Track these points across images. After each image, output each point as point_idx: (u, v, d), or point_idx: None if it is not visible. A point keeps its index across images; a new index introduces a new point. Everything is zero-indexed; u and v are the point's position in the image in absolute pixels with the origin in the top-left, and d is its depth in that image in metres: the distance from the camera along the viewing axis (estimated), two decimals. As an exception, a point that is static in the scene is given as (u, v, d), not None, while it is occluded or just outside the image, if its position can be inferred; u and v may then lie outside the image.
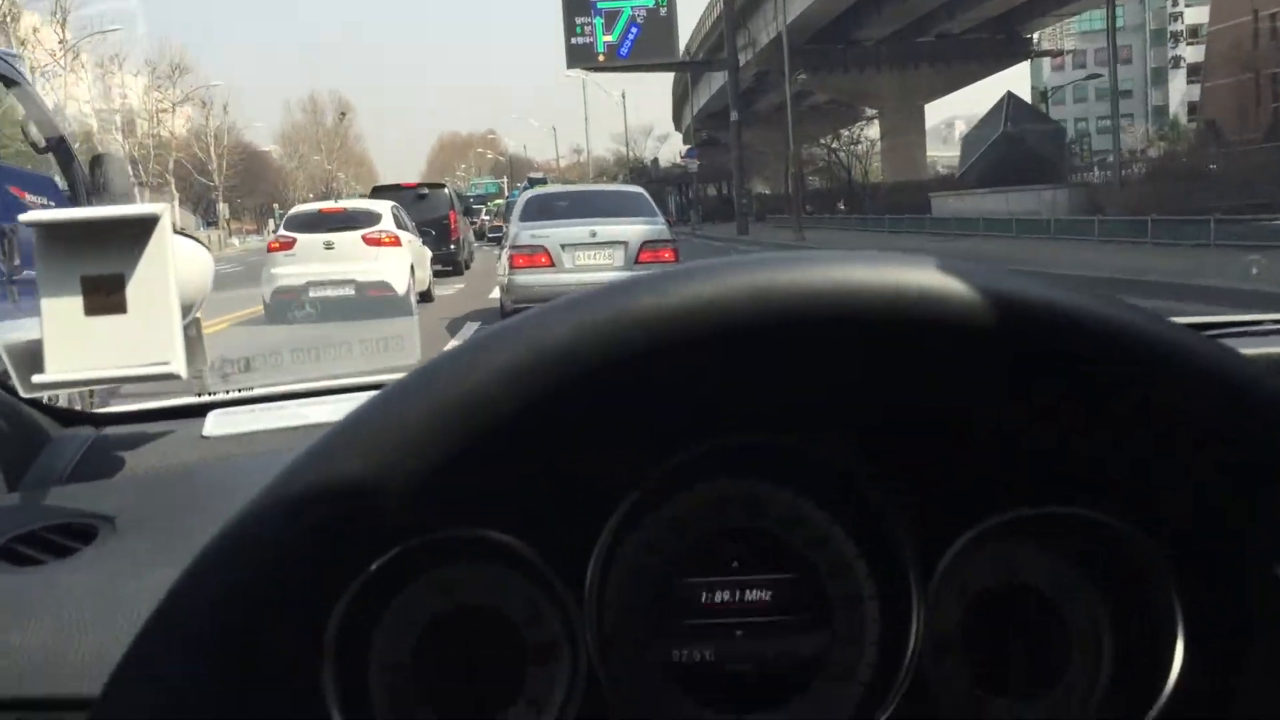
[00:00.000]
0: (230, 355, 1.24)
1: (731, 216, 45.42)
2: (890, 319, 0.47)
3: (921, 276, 0.48)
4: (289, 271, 12.13)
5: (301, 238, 13.05)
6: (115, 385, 0.96)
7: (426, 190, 24.51)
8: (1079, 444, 0.79)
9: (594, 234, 11.02)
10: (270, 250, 13.47)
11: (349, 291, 11.33)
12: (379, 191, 23.70)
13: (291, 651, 0.45)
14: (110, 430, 1.26)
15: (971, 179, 37.34)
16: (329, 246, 12.77)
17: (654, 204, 12.46)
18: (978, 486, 0.90)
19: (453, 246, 20.53)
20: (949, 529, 0.88)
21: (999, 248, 23.24)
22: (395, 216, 14.14)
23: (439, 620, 0.93)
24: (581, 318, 0.48)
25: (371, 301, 11.96)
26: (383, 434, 0.46)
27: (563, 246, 11.00)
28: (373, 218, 13.88)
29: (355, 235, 13.12)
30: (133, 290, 0.92)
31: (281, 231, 13.81)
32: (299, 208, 15.64)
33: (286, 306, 11.79)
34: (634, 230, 11.12)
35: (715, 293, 0.48)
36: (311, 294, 10.94)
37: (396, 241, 13.49)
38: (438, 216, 21.94)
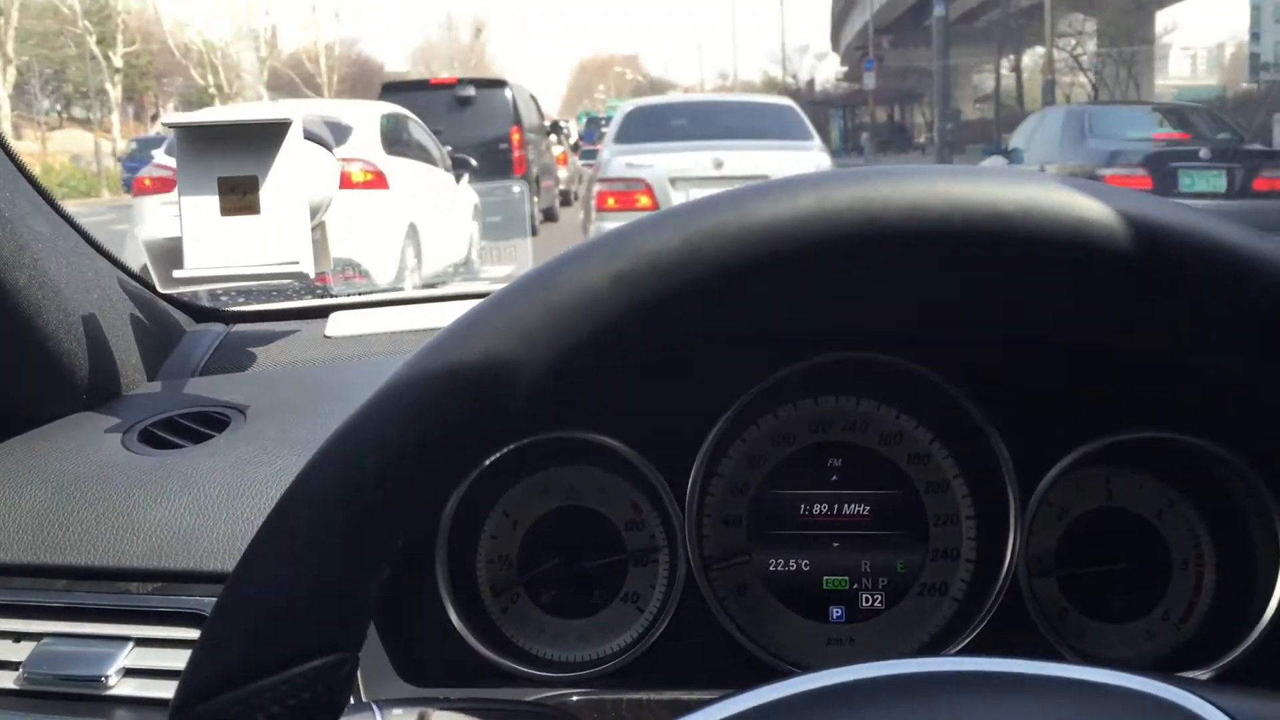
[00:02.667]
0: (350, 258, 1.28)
1: (908, 148, 36.97)
2: (1012, 234, 0.47)
3: (1048, 193, 0.48)
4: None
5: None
6: (246, 285, 1.01)
7: (473, 91, 13.62)
8: (1186, 370, 0.78)
9: (719, 164, 7.53)
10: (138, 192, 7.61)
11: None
12: (390, 92, 13.08)
13: (411, 538, 0.47)
14: (239, 328, 1.32)
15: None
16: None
17: (809, 124, 8.63)
18: (1080, 411, 0.90)
19: (516, 190, 9.63)
20: (1050, 452, 0.89)
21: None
22: (389, 132, 8.14)
23: (544, 520, 0.97)
24: (697, 226, 0.49)
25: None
26: (502, 328, 0.47)
27: (672, 181, 7.53)
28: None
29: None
30: (265, 193, 0.96)
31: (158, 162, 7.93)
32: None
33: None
34: (779, 159, 7.43)
35: (844, 202, 0.48)
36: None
37: (377, 182, 7.28)
38: (491, 137, 12.74)
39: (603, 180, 7.97)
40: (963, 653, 0.88)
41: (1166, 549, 0.92)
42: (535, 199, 12.07)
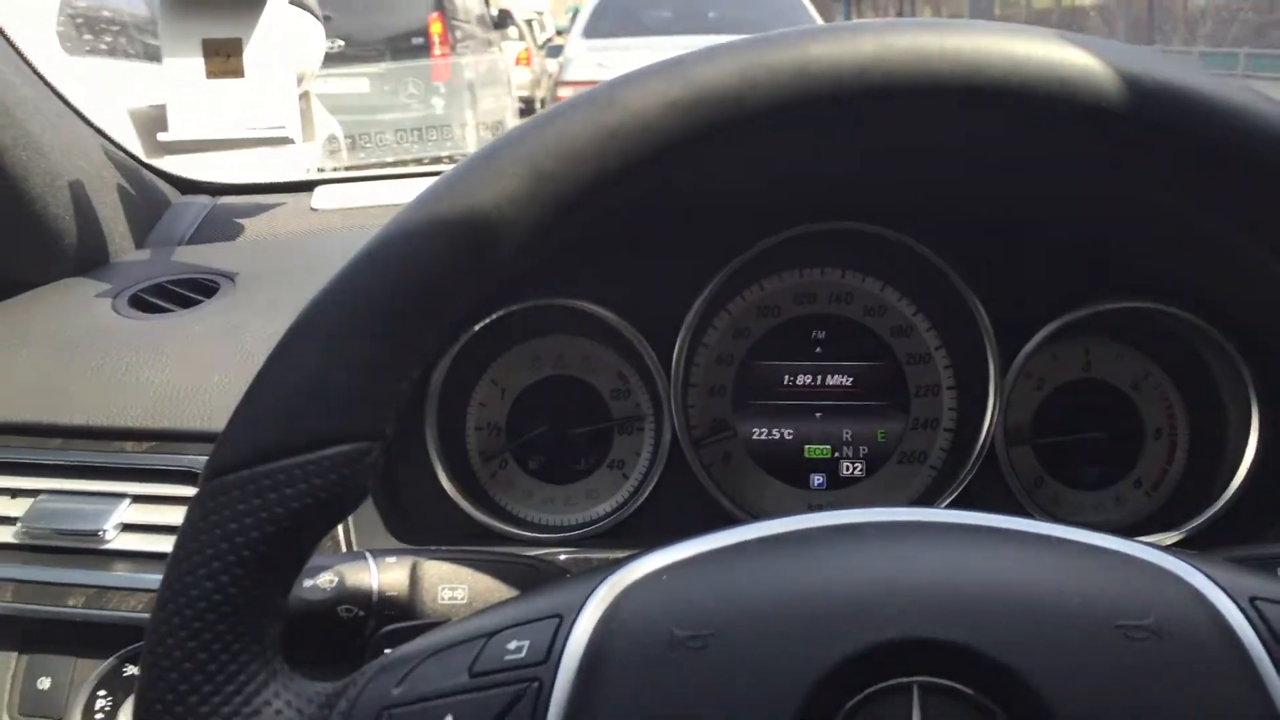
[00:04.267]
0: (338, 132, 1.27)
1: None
2: (1009, 89, 0.47)
3: (1044, 48, 0.47)
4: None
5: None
6: (231, 149, 1.00)
7: None
8: (1172, 240, 0.79)
9: None
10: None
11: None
12: None
13: (401, 398, 0.47)
14: (226, 200, 1.31)
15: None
16: None
17: (814, 14, 7.71)
18: (1062, 281, 0.91)
19: (437, 100, 7.07)
20: (1031, 322, 0.90)
21: None
22: None
23: (532, 389, 0.98)
24: (756, 61, 0.47)
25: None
26: (549, 149, 0.46)
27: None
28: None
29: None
30: (249, 55, 0.95)
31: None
32: None
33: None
34: None
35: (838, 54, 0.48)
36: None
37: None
38: (401, 30, 7.87)
39: (565, 83, 7.05)
40: None
41: (1141, 419, 0.94)
42: (472, 115, 8.00)
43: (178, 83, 0.96)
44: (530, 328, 0.97)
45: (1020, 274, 0.91)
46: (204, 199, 1.30)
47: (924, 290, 0.95)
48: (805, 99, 0.47)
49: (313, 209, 1.27)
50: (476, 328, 0.93)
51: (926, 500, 0.94)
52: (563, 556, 0.89)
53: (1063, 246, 0.90)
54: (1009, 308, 0.91)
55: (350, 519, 0.84)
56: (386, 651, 0.49)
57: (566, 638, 0.43)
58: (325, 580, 0.63)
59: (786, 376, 0.97)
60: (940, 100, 0.48)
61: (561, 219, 0.47)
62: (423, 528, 0.92)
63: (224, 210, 1.26)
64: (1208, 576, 0.44)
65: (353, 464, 0.46)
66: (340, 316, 0.46)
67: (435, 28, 8.24)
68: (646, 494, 0.94)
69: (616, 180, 0.47)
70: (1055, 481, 0.95)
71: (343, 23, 6.40)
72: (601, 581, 0.46)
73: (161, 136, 0.97)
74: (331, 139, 1.29)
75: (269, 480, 0.45)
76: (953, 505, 0.91)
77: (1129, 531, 0.93)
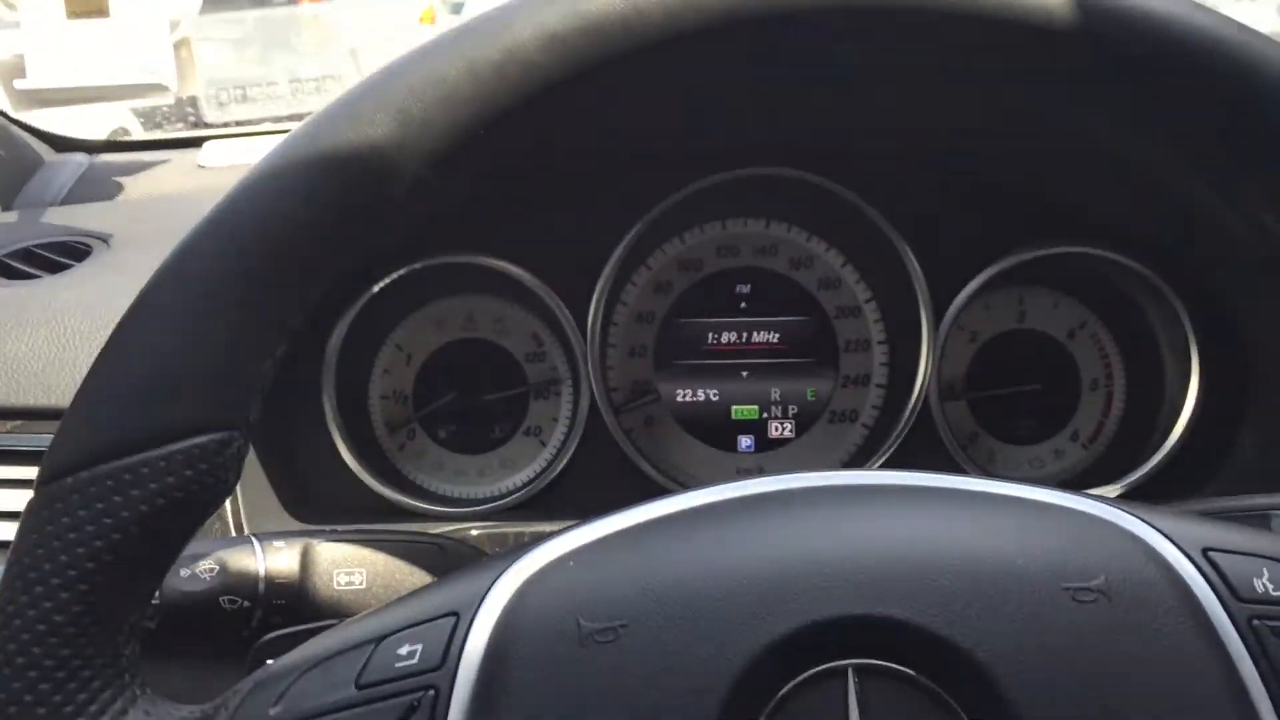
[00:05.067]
0: (226, 84, 1.19)
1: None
2: (960, 12, 0.43)
3: None
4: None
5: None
6: (104, 97, 0.91)
7: None
8: (1105, 180, 0.76)
9: None
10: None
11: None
12: None
13: (265, 378, 0.41)
14: (105, 157, 1.22)
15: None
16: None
17: None
18: (994, 229, 0.87)
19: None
20: (963, 270, 0.86)
21: None
22: None
23: (440, 353, 0.92)
24: None
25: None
26: (415, 90, 0.41)
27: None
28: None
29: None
30: (116, -7, 0.86)
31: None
32: None
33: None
34: None
35: None
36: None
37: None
38: None
39: None
40: None
41: (1076, 370, 0.91)
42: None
43: (36, 25, 0.87)
44: (436, 288, 0.91)
45: (952, 220, 0.87)
46: (80, 157, 1.21)
47: (852, 240, 0.90)
48: (705, 17, 0.42)
49: (200, 166, 1.19)
50: (375, 288, 0.86)
51: (858, 460, 0.90)
52: (475, 532, 0.83)
53: (996, 190, 0.86)
54: (941, 256, 0.86)
55: (240, 499, 0.77)
56: (269, 663, 0.43)
57: (464, 639, 0.38)
58: (204, 569, 0.57)
59: (711, 334, 0.92)
60: (870, 18, 0.43)
61: (442, 169, 0.42)
62: (324, 506, 0.86)
63: (102, 169, 1.18)
64: (1157, 529, 0.40)
65: (211, 458, 0.40)
66: (188, 288, 0.40)
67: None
68: (565, 462, 0.89)
69: (498, 125, 0.42)
70: (990, 437, 0.91)
71: (230, -40, 6.33)
72: (502, 572, 0.40)
73: (19, 84, 0.88)
74: (221, 90, 1.20)
75: (113, 481, 0.39)
76: (886, 465, 0.88)
77: (1068, 484, 0.90)
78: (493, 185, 0.46)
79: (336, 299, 0.85)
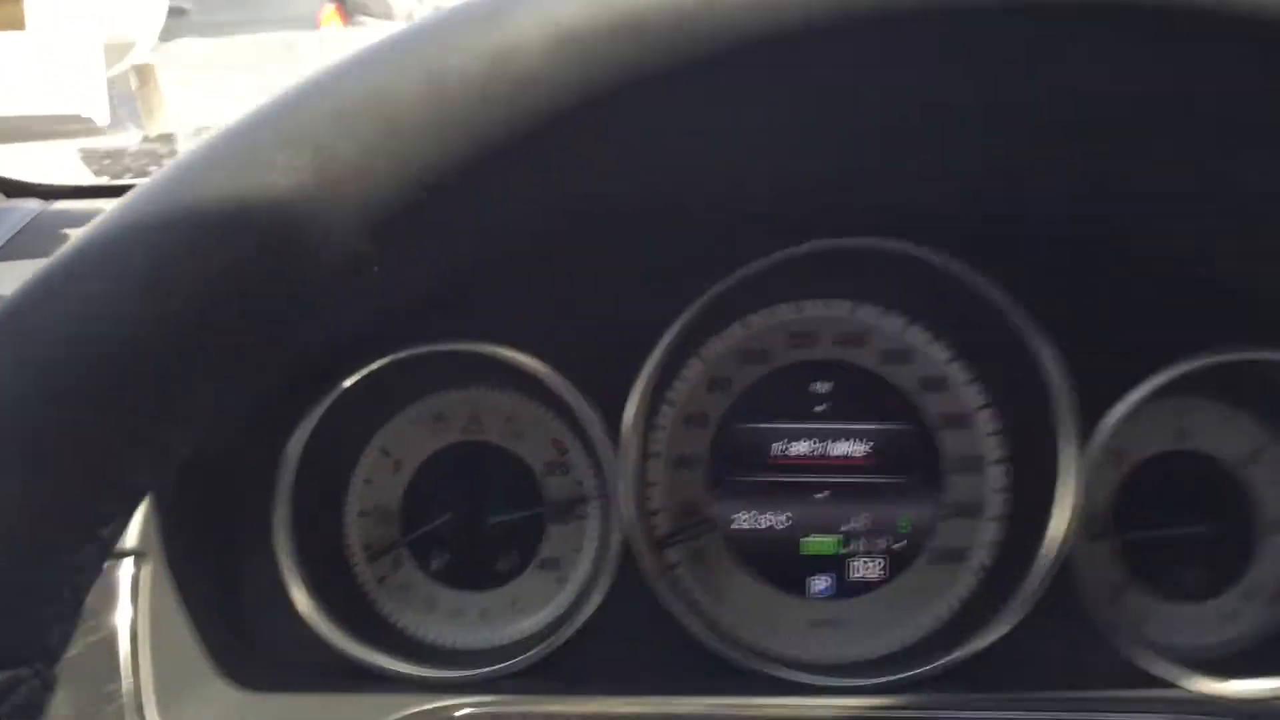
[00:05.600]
0: (201, 121, 1.03)
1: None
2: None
3: None
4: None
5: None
6: (17, 137, 0.75)
7: None
8: None
9: None
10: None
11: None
12: None
13: (85, 574, 0.30)
14: (59, 205, 1.08)
15: None
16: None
17: None
18: (1160, 324, 0.68)
19: None
20: (1114, 380, 0.67)
21: None
22: None
23: (436, 460, 0.76)
24: None
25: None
26: (343, 115, 0.27)
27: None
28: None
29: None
30: (38, 3, 0.69)
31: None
32: None
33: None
34: None
35: None
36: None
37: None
38: None
39: None
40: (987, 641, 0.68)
41: (1254, 507, 0.72)
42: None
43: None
44: (432, 379, 0.74)
45: (1104, 312, 0.68)
46: (32, 203, 1.07)
47: (964, 330, 0.73)
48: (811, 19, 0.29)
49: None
50: (348, 383, 0.68)
51: (967, 619, 0.70)
52: (466, 711, 0.64)
53: (1164, 271, 0.67)
54: (1091, 355, 0.67)
55: (144, 661, 0.59)
56: None
57: None
58: None
59: (778, 444, 0.75)
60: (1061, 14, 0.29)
61: (387, 240, 0.29)
62: (274, 667, 0.67)
63: (53, 217, 1.03)
64: None
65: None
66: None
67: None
68: (591, 608, 0.70)
69: (477, 171, 0.29)
70: (1141, 591, 0.72)
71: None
72: None
73: (-90, 114, 0.72)
74: (201, 128, 1.05)
75: None
76: (1005, 621, 0.68)
77: (1246, 657, 0.71)
78: (476, 262, 0.30)
79: (304, 392, 0.68)
